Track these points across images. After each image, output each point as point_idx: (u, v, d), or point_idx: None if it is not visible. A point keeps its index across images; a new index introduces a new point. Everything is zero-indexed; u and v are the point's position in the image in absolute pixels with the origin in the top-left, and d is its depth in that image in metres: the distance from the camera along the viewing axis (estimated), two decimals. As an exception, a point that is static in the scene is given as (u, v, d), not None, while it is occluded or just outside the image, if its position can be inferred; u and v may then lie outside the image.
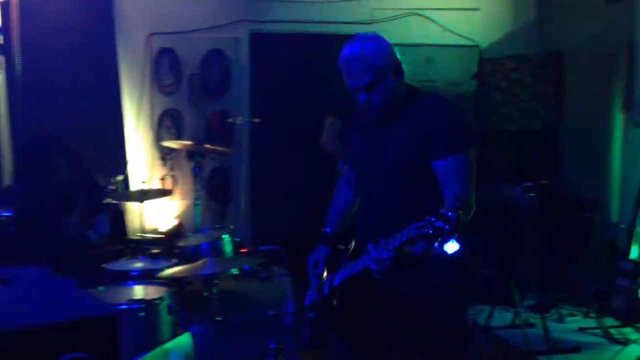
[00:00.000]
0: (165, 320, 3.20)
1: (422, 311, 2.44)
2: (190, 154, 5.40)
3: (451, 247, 2.01)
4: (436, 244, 2.01)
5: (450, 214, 1.97)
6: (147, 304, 3.11)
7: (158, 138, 5.83)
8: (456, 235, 1.98)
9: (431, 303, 2.43)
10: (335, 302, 2.57)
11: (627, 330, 4.48)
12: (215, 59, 5.82)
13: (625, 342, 4.36)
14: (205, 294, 3.60)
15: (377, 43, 2.37)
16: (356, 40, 2.38)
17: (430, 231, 2.00)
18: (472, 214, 2.30)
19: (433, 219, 2.00)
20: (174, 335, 3.14)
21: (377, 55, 2.34)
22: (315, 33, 5.79)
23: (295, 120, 5.82)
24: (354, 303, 2.55)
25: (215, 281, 3.64)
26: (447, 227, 1.97)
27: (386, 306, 2.50)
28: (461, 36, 6.08)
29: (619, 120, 5.19)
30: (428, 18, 6.01)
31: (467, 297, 2.58)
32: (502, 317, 4.73)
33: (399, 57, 2.41)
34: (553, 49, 5.91)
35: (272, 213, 5.82)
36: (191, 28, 5.71)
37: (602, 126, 5.28)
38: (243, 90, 5.91)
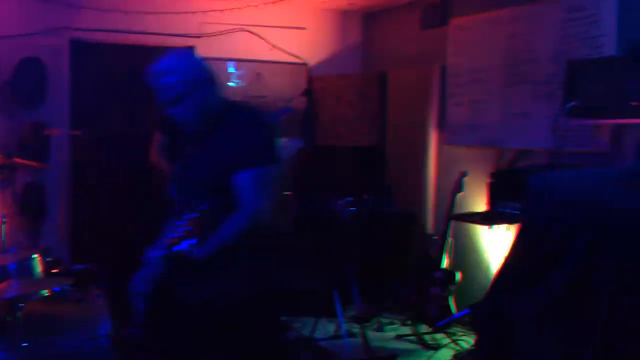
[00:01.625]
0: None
1: (225, 327, 2.41)
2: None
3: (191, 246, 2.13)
4: (183, 244, 2.11)
5: (192, 215, 2.09)
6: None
7: (-35, 150, 5.35)
8: (195, 237, 2.11)
9: (232, 317, 2.41)
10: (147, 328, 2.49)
11: (439, 336, 4.76)
12: (30, 67, 5.45)
13: (437, 347, 4.63)
14: (8, 318, 3.33)
15: (184, 57, 2.38)
16: (164, 55, 2.36)
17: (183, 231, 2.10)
18: (263, 226, 2.41)
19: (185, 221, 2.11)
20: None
21: (185, 69, 2.33)
22: (142, 44, 5.63)
23: (118, 133, 5.60)
24: (161, 330, 2.49)
25: (21, 304, 3.38)
26: (190, 228, 2.08)
27: (190, 326, 2.44)
28: (290, 54, 6.20)
29: (433, 138, 5.53)
30: (257, 35, 6.06)
31: (270, 310, 2.57)
32: (325, 328, 4.84)
33: (207, 71, 2.42)
34: (377, 70, 6.20)
35: (92, 230, 5.55)
36: (5, 34, 5.32)
37: (419, 143, 5.60)
38: (62, 101, 5.60)
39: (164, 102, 2.36)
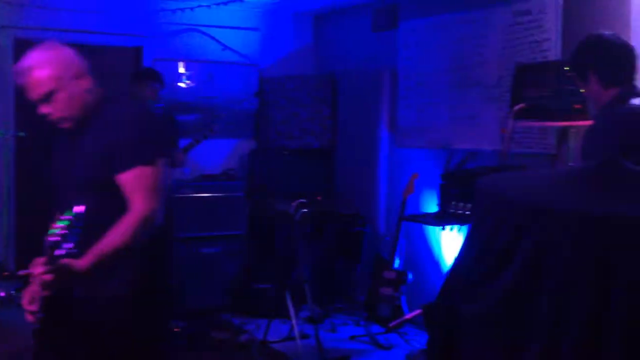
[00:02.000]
0: None
1: (94, 332, 2.30)
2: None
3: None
4: (62, 247, 2.02)
5: (67, 217, 2.00)
6: None
7: None
8: (72, 240, 2.02)
9: (100, 324, 2.29)
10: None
11: (392, 335, 4.81)
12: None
13: (389, 347, 4.68)
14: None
15: (50, 52, 2.29)
16: (30, 51, 2.28)
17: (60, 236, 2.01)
18: (157, 225, 2.27)
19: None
20: None
21: (51, 64, 2.25)
22: (89, 44, 5.51)
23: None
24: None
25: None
26: (66, 232, 2.00)
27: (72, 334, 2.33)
28: (242, 55, 6.17)
29: (384, 139, 5.58)
30: (208, 35, 6.01)
31: (148, 316, 2.37)
32: (278, 330, 4.83)
33: (79, 64, 2.34)
34: (329, 71, 6.22)
35: (41, 233, 5.40)
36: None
37: (370, 145, 5.65)
38: (7, 102, 5.44)
39: (34, 100, 2.28)
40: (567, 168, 1.56)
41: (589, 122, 3.41)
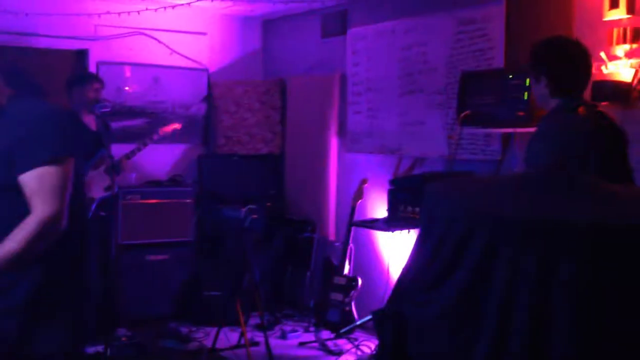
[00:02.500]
0: None
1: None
2: None
3: None
4: None
5: None
6: None
7: None
8: None
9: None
10: None
11: (341, 341, 4.82)
12: None
13: (339, 353, 4.69)
14: None
15: None
16: None
17: None
18: (62, 228, 2.16)
19: None
20: None
21: None
22: (33, 47, 5.38)
23: None
24: None
25: None
26: None
27: None
28: (190, 59, 6.11)
29: (334, 145, 5.60)
30: (155, 39, 5.93)
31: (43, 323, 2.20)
32: (228, 338, 4.79)
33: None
34: (278, 77, 6.21)
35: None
36: None
37: (319, 150, 5.66)
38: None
39: None
40: (514, 174, 1.59)
41: (532, 129, 3.50)
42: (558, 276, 1.37)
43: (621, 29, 3.43)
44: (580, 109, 2.56)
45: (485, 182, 1.70)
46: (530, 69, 2.69)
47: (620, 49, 3.42)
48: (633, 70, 3.38)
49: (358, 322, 4.33)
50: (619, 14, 3.42)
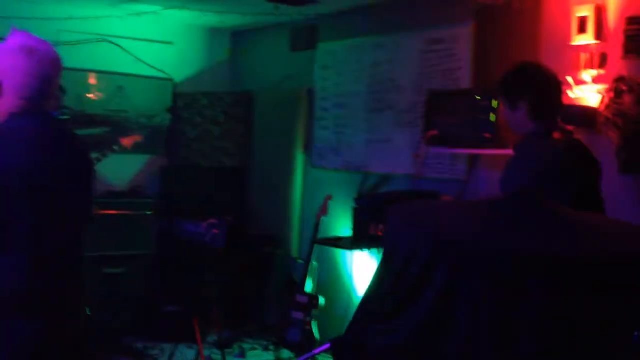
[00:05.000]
0: None
1: None
2: None
3: None
4: None
5: None
6: None
7: None
8: None
9: None
10: None
11: (301, 361, 4.73)
12: None
13: (298, 373, 4.60)
14: None
15: None
16: None
17: None
18: None
19: None
20: None
21: None
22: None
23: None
24: None
25: None
26: None
27: None
28: (155, 68, 5.99)
29: (300, 160, 5.53)
30: (119, 46, 5.80)
31: None
32: (184, 355, 4.66)
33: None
34: (245, 89, 6.13)
35: None
36: None
37: (285, 165, 5.58)
38: None
39: None
40: (479, 200, 1.54)
41: (498, 151, 3.48)
42: (522, 308, 1.35)
43: (588, 54, 3.44)
44: (556, 135, 2.55)
45: (448, 209, 1.65)
46: (505, 95, 2.66)
47: (587, 74, 3.42)
48: (599, 96, 3.38)
49: (316, 352, 4.22)
50: (587, 39, 3.43)
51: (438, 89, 4.21)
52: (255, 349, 5.06)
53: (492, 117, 3.48)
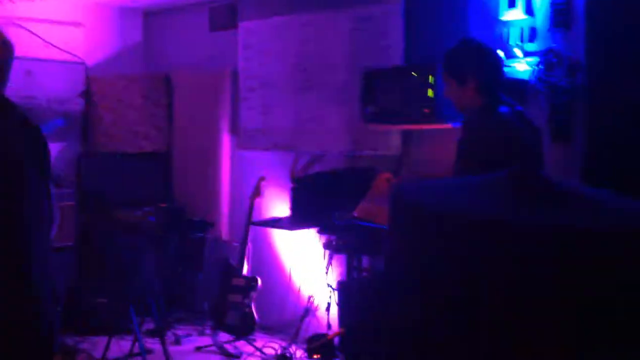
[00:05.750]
0: None
1: None
2: None
3: None
4: None
5: None
6: None
7: None
8: None
9: None
10: None
11: (241, 343, 4.69)
12: None
13: (239, 356, 4.56)
14: None
15: None
16: None
17: None
18: None
19: None
20: None
21: None
22: None
23: None
24: None
25: None
26: None
27: None
28: (65, 51, 5.69)
29: (225, 142, 5.43)
30: (26, 29, 5.47)
31: None
32: (119, 347, 4.51)
33: None
34: (162, 71, 5.94)
35: None
36: None
37: (211, 148, 5.47)
38: None
39: None
40: (482, 177, 1.52)
41: (438, 126, 3.56)
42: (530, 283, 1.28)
43: (518, 28, 3.57)
44: (503, 108, 2.64)
45: (456, 186, 1.64)
46: (451, 71, 2.72)
47: (517, 48, 3.55)
48: (530, 69, 3.52)
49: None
50: (516, 14, 3.55)
51: (374, 67, 4.24)
52: (190, 335, 4.98)
53: (430, 93, 3.55)
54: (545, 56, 3.45)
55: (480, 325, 1.29)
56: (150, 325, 4.76)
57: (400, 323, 1.41)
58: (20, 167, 2.05)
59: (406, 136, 4.21)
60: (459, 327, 1.31)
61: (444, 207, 1.44)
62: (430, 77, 3.59)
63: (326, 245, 4.14)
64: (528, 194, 1.46)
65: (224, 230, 5.39)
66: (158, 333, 4.49)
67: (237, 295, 4.68)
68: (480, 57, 2.70)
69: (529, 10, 3.53)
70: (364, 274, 4.08)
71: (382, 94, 3.82)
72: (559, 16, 3.43)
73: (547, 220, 1.35)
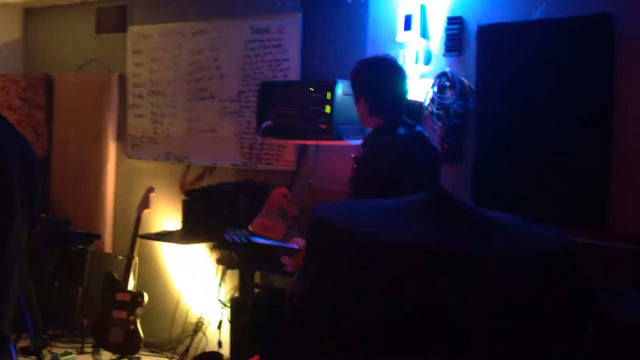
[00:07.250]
0: None
1: None
2: None
3: None
4: None
5: None
6: None
7: None
8: None
9: None
10: None
11: (125, 362, 4.48)
12: None
13: (123, 375, 4.36)
14: None
15: None
16: None
17: None
18: None
19: None
20: None
21: None
22: None
23: None
24: None
25: None
26: None
27: None
28: None
29: (111, 150, 5.18)
30: None
31: None
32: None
33: None
34: (43, 72, 5.59)
35: None
36: None
37: (95, 155, 5.20)
38: None
39: None
40: (397, 200, 1.52)
41: (335, 142, 3.57)
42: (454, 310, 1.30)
43: (414, 50, 3.65)
44: (400, 129, 2.66)
45: (371, 208, 1.62)
46: (352, 89, 2.74)
47: (413, 70, 3.63)
48: (425, 91, 3.60)
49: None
50: (412, 36, 3.63)
51: (267, 79, 4.21)
52: (69, 353, 4.69)
53: (327, 109, 3.55)
54: (438, 79, 3.55)
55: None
56: (25, 343, 4.45)
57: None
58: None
59: (301, 151, 4.20)
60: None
61: (357, 228, 1.43)
62: (328, 93, 3.59)
63: (219, 261, 4.04)
64: (441, 217, 1.47)
65: (108, 242, 5.14)
66: (34, 351, 4.21)
67: (121, 311, 4.46)
68: (367, 77, 2.68)
69: (424, 34, 3.62)
70: (256, 290, 4.02)
71: (279, 107, 3.78)
72: (452, 41, 3.54)
73: (453, 243, 1.37)
